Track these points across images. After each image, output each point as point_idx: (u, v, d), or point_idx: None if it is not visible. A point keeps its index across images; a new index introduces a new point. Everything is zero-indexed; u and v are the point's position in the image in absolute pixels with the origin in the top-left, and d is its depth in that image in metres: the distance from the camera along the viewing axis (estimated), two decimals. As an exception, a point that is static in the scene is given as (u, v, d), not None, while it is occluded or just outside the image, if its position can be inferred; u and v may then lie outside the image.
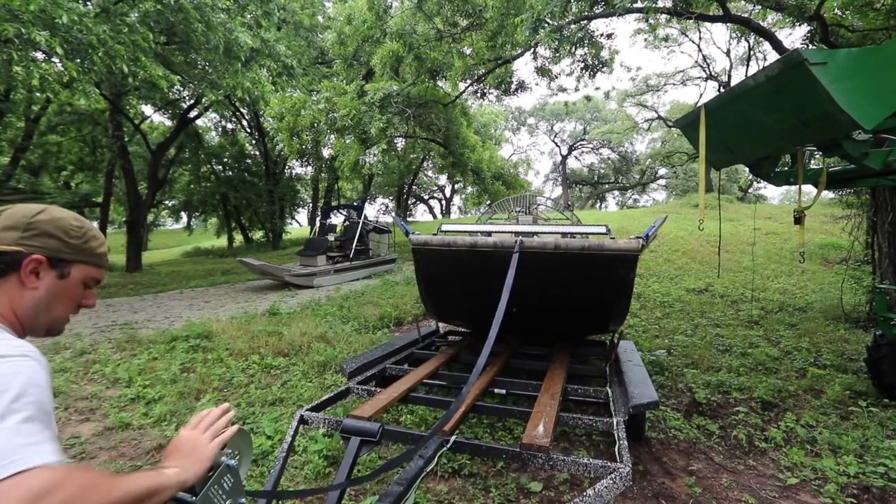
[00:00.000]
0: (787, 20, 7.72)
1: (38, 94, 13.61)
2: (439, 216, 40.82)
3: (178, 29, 8.70)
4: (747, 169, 4.36)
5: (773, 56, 14.38)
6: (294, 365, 4.96)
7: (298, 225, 36.01)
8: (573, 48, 8.62)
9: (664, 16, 9.44)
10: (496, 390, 3.42)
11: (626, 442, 2.27)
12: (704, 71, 25.78)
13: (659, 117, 30.30)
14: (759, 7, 8.83)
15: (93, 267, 0.99)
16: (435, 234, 4.26)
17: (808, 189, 4.37)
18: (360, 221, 12.96)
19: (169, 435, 3.45)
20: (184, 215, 29.13)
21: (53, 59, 7.35)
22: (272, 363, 4.95)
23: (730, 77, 24.40)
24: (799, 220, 3.50)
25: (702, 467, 3.19)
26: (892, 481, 2.95)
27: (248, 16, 10.17)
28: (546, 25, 7.75)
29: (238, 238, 27.45)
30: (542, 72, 12.18)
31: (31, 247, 0.89)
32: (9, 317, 0.90)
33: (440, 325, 5.21)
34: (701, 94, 28.73)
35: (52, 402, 0.82)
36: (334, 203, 23.89)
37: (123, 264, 16.20)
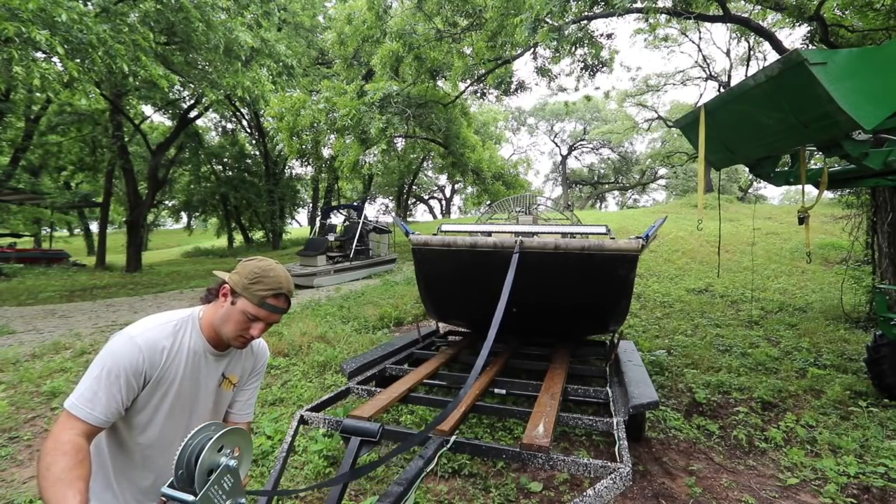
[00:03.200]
0: (787, 20, 7.70)
1: (38, 94, 13.62)
2: (439, 216, 40.83)
3: (179, 28, 8.69)
4: (747, 169, 4.36)
5: (773, 56, 14.38)
6: (294, 365, 4.96)
7: (298, 225, 36.05)
8: (573, 48, 8.60)
9: (664, 16, 9.43)
10: (496, 390, 3.41)
11: (626, 442, 2.27)
12: (704, 71, 25.74)
13: (659, 117, 30.28)
14: (759, 7, 8.83)
15: (250, 304, 1.26)
16: (435, 234, 4.26)
17: (809, 189, 4.37)
18: (360, 221, 12.96)
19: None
20: (184, 215, 29.11)
21: (53, 59, 7.34)
22: (272, 363, 4.95)
23: (730, 77, 24.38)
24: (803, 220, 3.49)
25: (702, 467, 3.19)
26: (892, 481, 2.95)
27: (249, 16, 10.16)
28: (545, 25, 7.74)
29: (238, 238, 27.45)
30: (542, 72, 12.17)
31: (230, 279, 1.30)
32: (208, 323, 1.33)
33: (440, 325, 5.21)
34: (701, 94, 28.74)
35: (139, 372, 1.18)
36: (334, 203, 23.90)
37: (123, 264, 16.21)
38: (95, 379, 1.14)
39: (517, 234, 4.50)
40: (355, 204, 18.38)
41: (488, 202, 20.21)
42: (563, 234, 4.93)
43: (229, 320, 1.28)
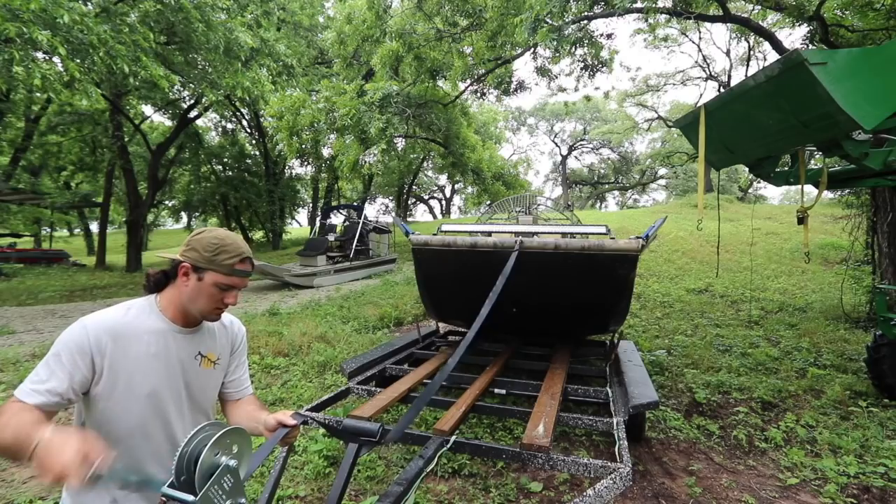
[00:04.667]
0: (787, 20, 7.71)
1: (38, 95, 13.61)
2: (439, 216, 40.85)
3: (179, 29, 8.70)
4: (747, 169, 4.36)
5: (773, 56, 14.38)
6: (294, 365, 4.96)
7: (298, 225, 36.05)
8: (573, 48, 8.61)
9: (664, 16, 9.44)
10: (496, 390, 3.42)
11: (626, 442, 2.27)
12: (704, 71, 25.76)
13: (659, 117, 30.29)
14: (759, 7, 8.83)
15: (220, 274, 1.24)
16: (435, 235, 4.26)
17: (808, 189, 4.38)
18: (360, 221, 12.96)
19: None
20: (184, 215, 29.10)
21: (54, 59, 7.34)
22: (272, 363, 4.95)
23: (730, 77, 24.39)
24: (802, 220, 3.50)
25: (702, 467, 3.19)
26: (892, 481, 2.95)
27: (248, 15, 10.16)
28: (545, 25, 7.75)
29: (238, 238, 27.41)
30: (542, 72, 12.17)
31: (185, 257, 1.25)
32: (170, 304, 1.29)
33: (440, 325, 5.21)
34: (701, 94, 28.76)
35: (85, 352, 1.14)
36: (334, 203, 23.91)
37: (123, 264, 16.21)
38: (43, 364, 1.13)
39: (517, 234, 4.50)
40: (355, 204, 18.38)
41: (488, 202, 20.23)
42: (563, 234, 4.93)
43: (201, 296, 1.25)
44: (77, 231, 34.45)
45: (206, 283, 1.24)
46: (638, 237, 3.32)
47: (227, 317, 1.47)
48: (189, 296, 1.26)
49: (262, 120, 21.32)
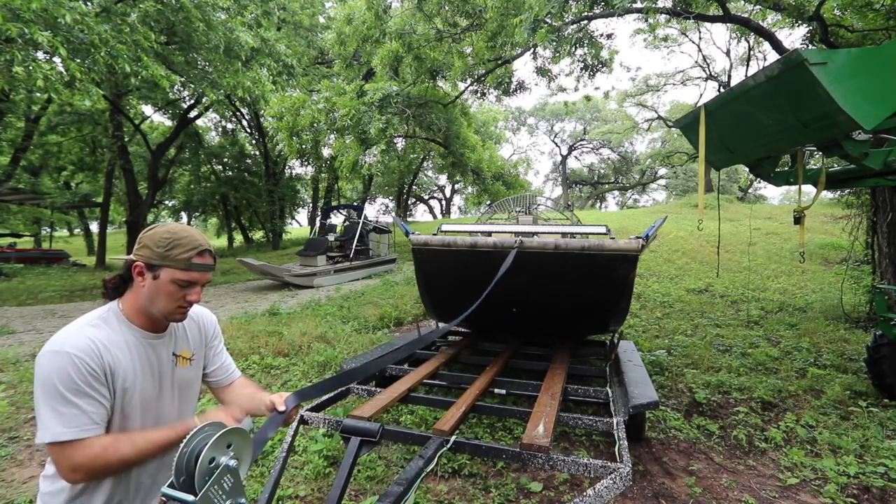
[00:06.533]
0: (787, 20, 7.72)
1: (38, 95, 13.62)
2: (439, 216, 40.84)
3: (179, 28, 8.71)
4: (747, 169, 4.36)
5: (773, 56, 14.38)
6: (294, 365, 4.96)
7: (298, 225, 36.04)
8: (572, 48, 8.62)
9: (664, 16, 9.44)
10: (496, 390, 3.41)
11: (626, 442, 2.27)
12: (704, 71, 25.77)
13: (659, 117, 30.30)
14: (759, 7, 8.83)
15: (177, 270, 1.16)
16: (435, 234, 4.26)
17: (808, 189, 4.39)
18: (360, 221, 12.96)
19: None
20: (184, 215, 29.09)
21: (55, 59, 7.34)
22: (272, 363, 4.95)
23: (730, 77, 24.40)
24: (798, 220, 3.51)
25: (702, 467, 3.19)
26: (892, 481, 2.95)
27: (249, 15, 10.17)
28: (545, 26, 7.75)
29: (238, 238, 27.47)
30: (542, 72, 12.17)
31: (138, 256, 1.17)
32: (133, 310, 1.21)
33: (440, 325, 5.21)
34: (701, 94, 28.79)
35: (84, 381, 1.07)
36: (334, 203, 23.91)
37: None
38: (63, 404, 1.04)
39: (517, 234, 4.50)
40: (355, 204, 18.39)
41: (488, 202, 20.23)
42: (563, 234, 4.93)
43: (159, 296, 1.17)
44: (77, 231, 34.45)
45: (162, 282, 1.17)
46: (638, 237, 3.32)
47: (193, 308, 1.38)
48: (147, 297, 1.18)
49: (262, 120, 21.32)
